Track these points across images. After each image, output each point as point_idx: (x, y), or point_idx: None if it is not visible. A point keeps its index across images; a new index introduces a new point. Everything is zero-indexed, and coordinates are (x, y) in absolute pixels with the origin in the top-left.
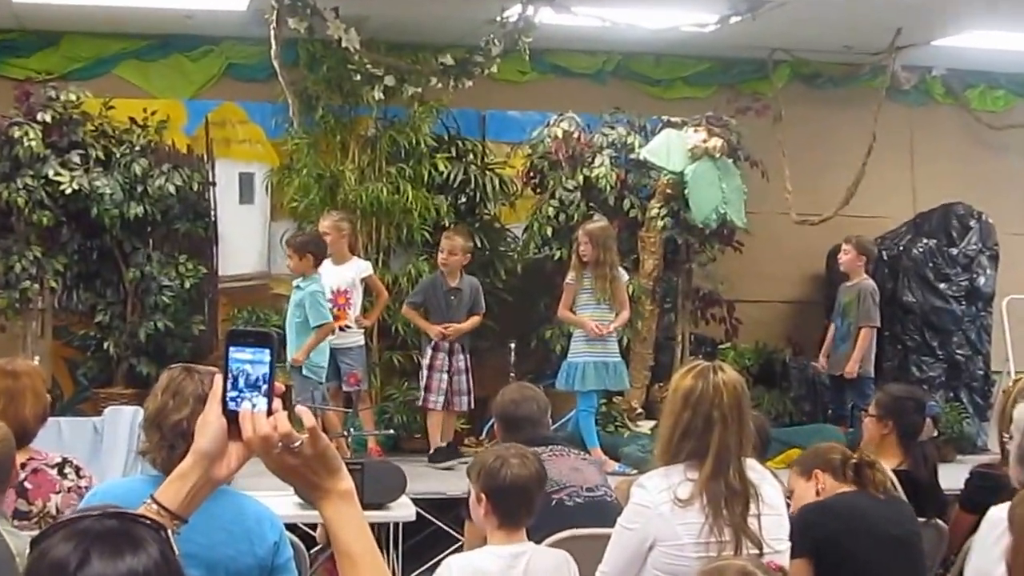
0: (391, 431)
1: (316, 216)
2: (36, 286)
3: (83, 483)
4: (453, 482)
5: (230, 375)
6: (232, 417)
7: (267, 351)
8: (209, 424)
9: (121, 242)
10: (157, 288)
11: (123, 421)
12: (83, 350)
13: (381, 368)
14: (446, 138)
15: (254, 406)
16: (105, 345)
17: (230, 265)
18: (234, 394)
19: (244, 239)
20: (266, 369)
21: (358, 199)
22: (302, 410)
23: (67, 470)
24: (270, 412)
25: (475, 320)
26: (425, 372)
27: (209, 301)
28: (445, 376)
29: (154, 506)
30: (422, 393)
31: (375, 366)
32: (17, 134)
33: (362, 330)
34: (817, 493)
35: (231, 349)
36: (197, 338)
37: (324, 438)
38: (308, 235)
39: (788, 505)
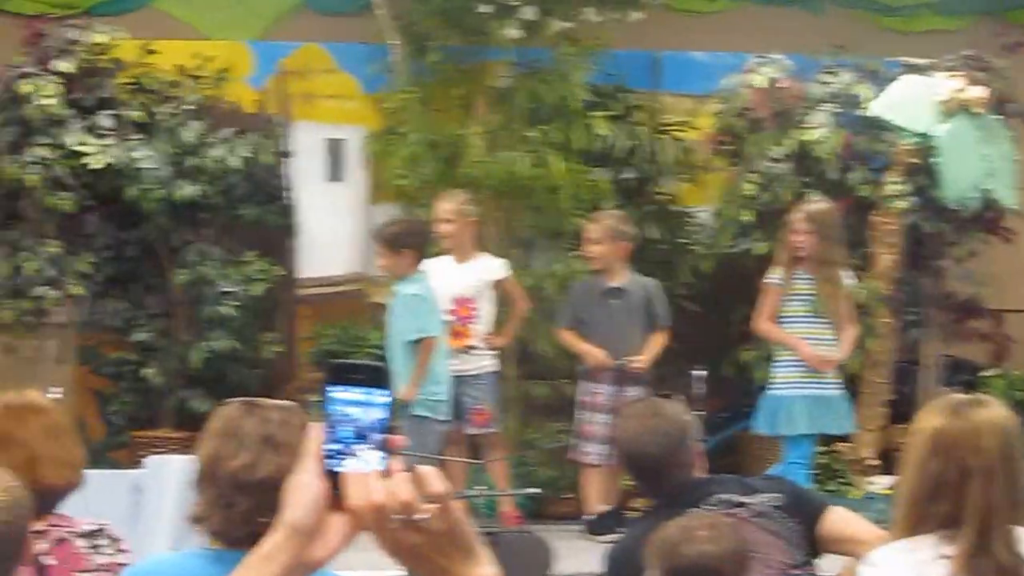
0: (533, 490)
1: (430, 198)
2: (54, 293)
3: (121, 559)
4: None
5: (332, 423)
6: (334, 479)
7: (382, 392)
8: (303, 488)
9: (167, 234)
10: (215, 296)
11: (171, 475)
12: (117, 379)
13: (519, 404)
14: (607, 90)
15: (363, 464)
16: (146, 373)
17: (314, 265)
18: (337, 448)
19: (332, 229)
20: (381, 415)
21: (486, 173)
22: (427, 471)
23: (100, 541)
24: (386, 473)
25: (660, 341)
26: (580, 413)
27: (286, 313)
28: (605, 418)
29: None
30: (575, 441)
31: (510, 401)
32: (27, 89)
33: (494, 353)
34: None
35: (333, 388)
36: (269, 363)
37: (457, 509)
38: (404, 223)
39: None
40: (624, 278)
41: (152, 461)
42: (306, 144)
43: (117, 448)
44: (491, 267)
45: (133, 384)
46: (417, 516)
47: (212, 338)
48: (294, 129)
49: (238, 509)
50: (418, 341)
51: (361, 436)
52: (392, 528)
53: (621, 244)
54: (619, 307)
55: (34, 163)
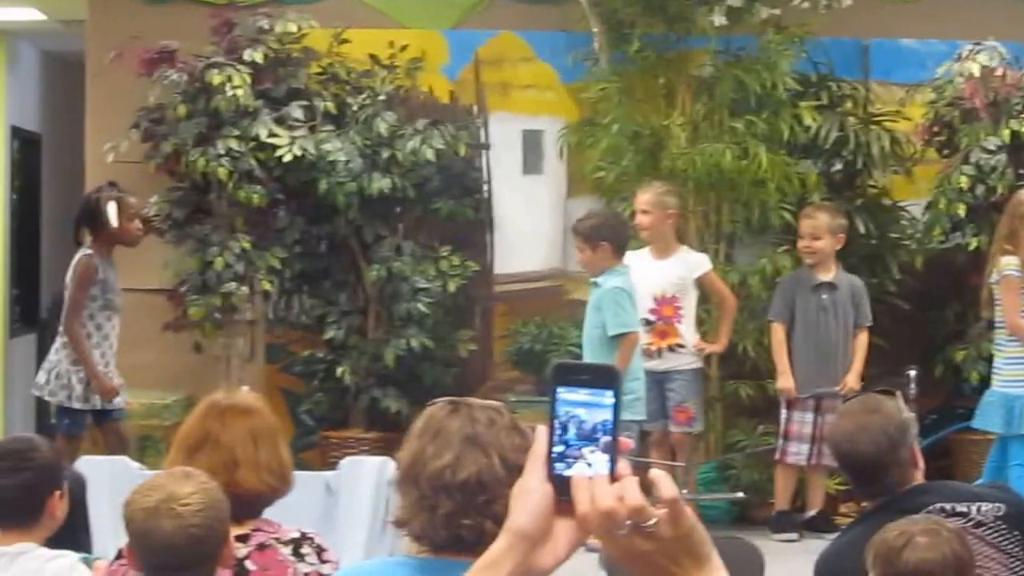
0: (738, 494)
1: (632, 190)
2: (244, 289)
3: (326, 570)
4: None
5: (557, 425)
6: (561, 484)
7: (609, 392)
8: (530, 493)
9: (360, 228)
10: (410, 292)
11: (366, 477)
12: (308, 378)
13: (723, 405)
14: (814, 79)
15: (590, 467)
16: (338, 371)
17: (511, 260)
18: (563, 451)
19: (530, 223)
20: (608, 416)
21: (689, 165)
22: (658, 475)
23: (305, 549)
24: (614, 477)
25: (864, 342)
26: (785, 412)
27: (482, 310)
28: (812, 416)
29: None
30: (779, 442)
31: (714, 402)
32: (217, 80)
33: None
34: None
35: (559, 390)
36: (465, 362)
37: (690, 514)
38: (601, 216)
39: None
40: (834, 273)
41: (347, 462)
42: (502, 136)
43: (308, 449)
44: (693, 262)
45: (324, 383)
46: (647, 522)
47: (406, 336)
48: (490, 120)
49: (440, 511)
50: (619, 337)
51: (588, 438)
52: (621, 535)
53: (837, 238)
54: (827, 303)
55: (223, 155)
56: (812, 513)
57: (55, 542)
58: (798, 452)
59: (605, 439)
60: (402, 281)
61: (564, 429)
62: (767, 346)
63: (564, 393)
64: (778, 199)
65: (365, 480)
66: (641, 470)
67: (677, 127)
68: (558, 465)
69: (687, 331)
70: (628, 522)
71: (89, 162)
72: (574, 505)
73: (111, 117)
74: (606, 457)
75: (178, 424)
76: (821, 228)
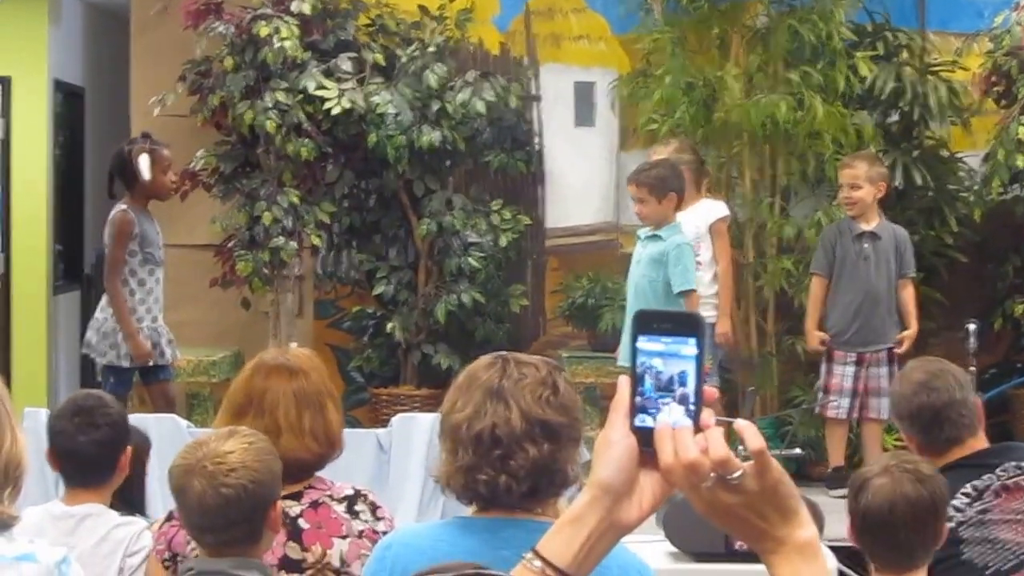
0: (796, 451)
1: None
2: (293, 244)
3: (380, 527)
4: None
5: (639, 375)
6: (644, 435)
7: (691, 340)
8: (613, 446)
9: (410, 182)
10: (461, 247)
11: (417, 434)
12: (358, 334)
13: (779, 361)
14: (870, 29)
15: (675, 419)
16: (389, 327)
17: (562, 214)
18: (644, 402)
19: (582, 177)
20: (689, 367)
21: (744, 117)
22: (743, 425)
23: (359, 507)
24: (698, 428)
25: (910, 295)
26: (825, 365)
27: (534, 265)
28: (854, 370)
29: (537, 564)
30: (819, 395)
31: (770, 357)
32: (264, 32)
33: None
34: None
35: (640, 339)
36: (517, 318)
37: (777, 467)
38: (667, 166)
39: None
40: (877, 222)
41: (398, 419)
42: (554, 88)
43: (358, 406)
44: (708, 208)
45: (374, 339)
46: (733, 474)
47: (457, 291)
48: (541, 72)
49: (458, 464)
50: (684, 293)
51: (670, 389)
52: (706, 488)
53: (878, 187)
54: (868, 251)
55: (271, 108)
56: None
57: (120, 501)
58: (838, 405)
59: (685, 390)
60: (453, 236)
61: (646, 380)
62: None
63: (645, 343)
64: (834, 151)
65: (417, 437)
66: (724, 422)
67: (731, 78)
68: (641, 416)
69: (705, 280)
70: (713, 475)
71: (134, 116)
72: (658, 457)
73: (157, 70)
74: (689, 410)
75: (227, 382)
76: (860, 177)
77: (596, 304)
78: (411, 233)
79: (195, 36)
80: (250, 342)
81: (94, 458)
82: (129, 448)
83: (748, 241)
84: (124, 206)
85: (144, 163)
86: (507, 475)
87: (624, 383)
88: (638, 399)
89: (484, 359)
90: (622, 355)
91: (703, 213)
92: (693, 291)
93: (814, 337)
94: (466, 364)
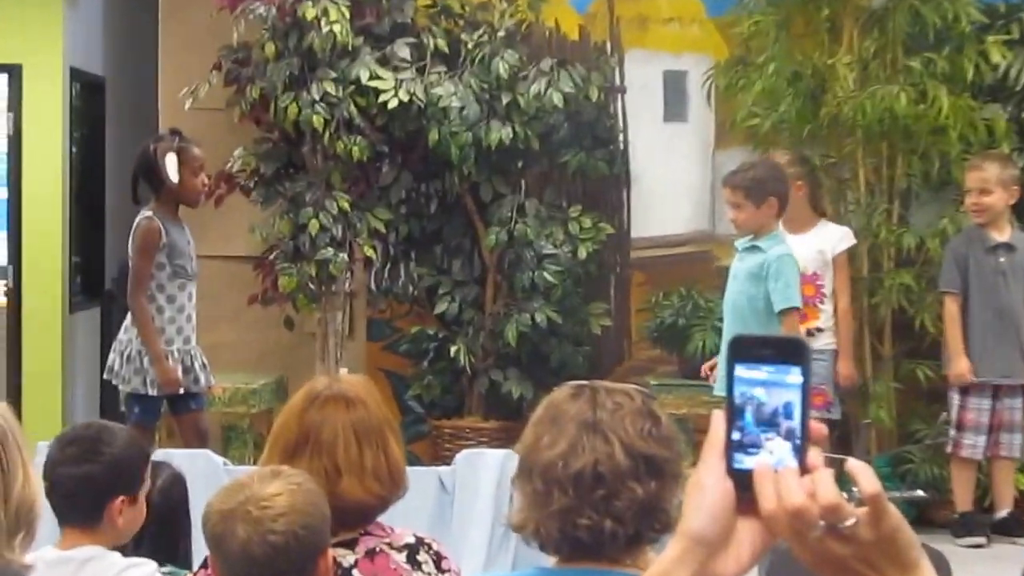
0: (919, 492)
1: (789, 141)
2: (343, 256)
3: None
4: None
5: (736, 409)
6: (742, 478)
7: (796, 370)
8: (706, 490)
9: (476, 186)
10: (535, 259)
11: (485, 472)
12: (416, 359)
13: (898, 390)
14: (1002, 10)
15: (777, 459)
16: (452, 351)
17: (650, 222)
18: (741, 439)
19: (672, 179)
20: (794, 397)
21: (857, 111)
22: (857, 465)
23: (422, 556)
24: (804, 469)
25: None
26: (958, 398)
27: (617, 280)
28: (990, 403)
29: None
30: (952, 432)
31: (887, 385)
32: (310, 14)
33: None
34: None
35: (738, 367)
36: (598, 340)
37: (895, 513)
38: (765, 167)
39: None
40: (1010, 232)
41: (463, 456)
42: (640, 77)
43: (417, 439)
44: (835, 235)
45: (435, 364)
46: (845, 522)
47: (529, 309)
48: (626, 60)
49: (553, 508)
50: (785, 312)
51: (773, 423)
52: (814, 537)
53: (1011, 192)
54: (1004, 266)
55: (318, 101)
56: (1002, 514)
57: (150, 550)
58: (974, 444)
59: (790, 425)
60: (525, 246)
61: (744, 414)
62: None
63: (743, 371)
64: (960, 149)
65: (484, 476)
66: (834, 462)
67: (843, 67)
68: (738, 456)
69: (828, 312)
70: (821, 522)
71: (163, 109)
72: (758, 503)
73: (188, 58)
74: (794, 448)
75: (267, 412)
76: (990, 180)
77: (687, 324)
78: (477, 243)
79: (232, 19)
80: (294, 367)
81: (75, 496)
82: (124, 497)
83: (862, 253)
84: (150, 213)
85: (172, 164)
86: (612, 518)
87: (719, 419)
88: (736, 436)
89: (565, 389)
90: (718, 384)
91: (828, 239)
92: (795, 309)
93: (964, 363)
94: (540, 392)
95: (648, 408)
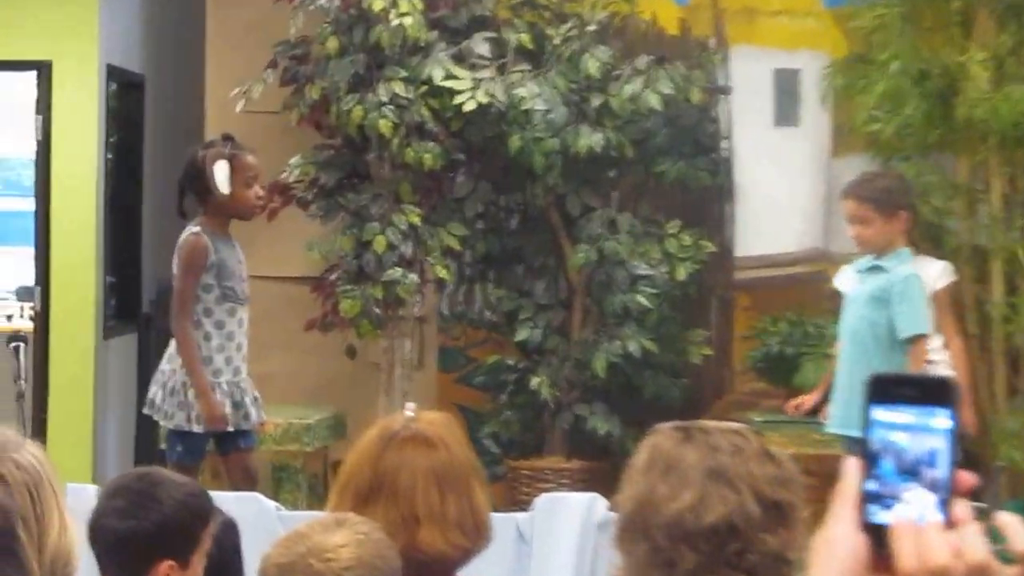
0: None
1: (913, 147)
2: (412, 277)
3: None
4: None
5: (873, 455)
6: (878, 533)
7: (944, 413)
8: (836, 546)
9: (563, 198)
10: (627, 281)
11: (567, 519)
12: (493, 391)
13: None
14: None
15: (918, 511)
16: (533, 383)
17: (757, 239)
18: (878, 489)
19: (783, 191)
20: (940, 444)
21: (992, 114)
22: (1008, 520)
23: None
24: (950, 524)
25: None
26: None
27: (719, 303)
28: None
29: None
30: None
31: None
32: (378, 6)
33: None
34: None
35: (875, 409)
36: (697, 370)
37: None
38: (892, 176)
39: None
40: None
41: (543, 500)
42: (747, 77)
43: (491, 482)
44: (939, 272)
45: (514, 398)
46: None
47: (621, 336)
48: (731, 57)
49: (681, 567)
50: (912, 339)
51: (915, 472)
52: None
53: None
54: None
55: (386, 104)
56: None
57: None
58: None
59: (935, 474)
60: (616, 266)
61: (882, 461)
62: None
63: (882, 413)
64: None
65: (567, 523)
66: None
67: (976, 65)
68: (873, 508)
69: (936, 344)
70: None
71: (210, 112)
72: (896, 561)
73: (239, 54)
74: (939, 500)
75: (322, 451)
76: None
77: (796, 353)
78: (563, 263)
79: (289, 11)
80: (355, 401)
81: (115, 551)
82: (172, 561)
83: (995, 273)
84: (197, 228)
85: (223, 173)
86: (745, 574)
87: (852, 466)
88: (872, 486)
89: (669, 431)
90: (832, 421)
91: (927, 274)
92: (924, 337)
93: None
94: (629, 429)
95: (766, 449)
